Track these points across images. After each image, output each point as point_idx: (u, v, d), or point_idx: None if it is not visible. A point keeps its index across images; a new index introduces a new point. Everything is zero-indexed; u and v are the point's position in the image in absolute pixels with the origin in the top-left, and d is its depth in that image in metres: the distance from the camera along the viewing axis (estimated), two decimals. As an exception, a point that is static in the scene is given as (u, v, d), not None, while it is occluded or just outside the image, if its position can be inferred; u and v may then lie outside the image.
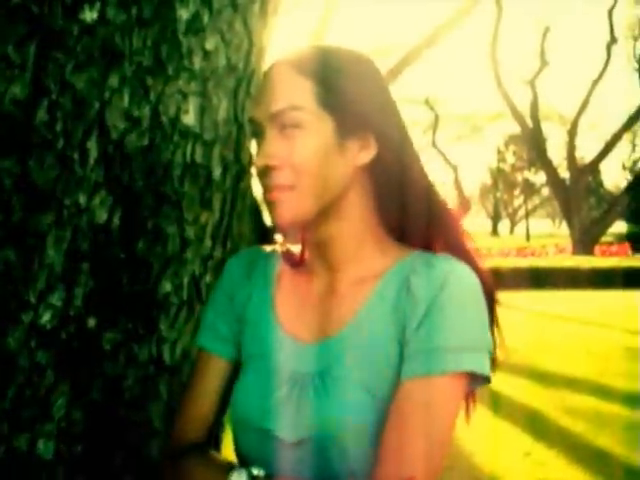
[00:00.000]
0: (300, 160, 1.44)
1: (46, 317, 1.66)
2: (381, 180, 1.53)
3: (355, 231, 1.52)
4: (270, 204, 1.48)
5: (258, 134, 1.49)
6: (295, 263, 1.61)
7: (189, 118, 1.89)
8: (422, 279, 1.45)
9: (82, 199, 1.72)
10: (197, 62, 1.85)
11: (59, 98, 1.72)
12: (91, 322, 1.73)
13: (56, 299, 1.64)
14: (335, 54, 1.48)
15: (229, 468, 1.46)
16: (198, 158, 1.93)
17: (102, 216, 1.73)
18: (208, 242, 2.01)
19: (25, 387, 1.70)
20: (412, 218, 1.53)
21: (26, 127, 1.65)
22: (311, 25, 20.50)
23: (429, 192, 1.56)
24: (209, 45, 1.94)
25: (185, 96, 1.89)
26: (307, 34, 20.65)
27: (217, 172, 1.95)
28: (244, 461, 1.53)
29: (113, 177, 1.76)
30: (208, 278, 2.06)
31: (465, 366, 1.31)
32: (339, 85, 1.45)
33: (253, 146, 1.53)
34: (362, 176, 1.53)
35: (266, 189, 1.50)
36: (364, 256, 1.55)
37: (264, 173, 1.48)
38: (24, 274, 1.65)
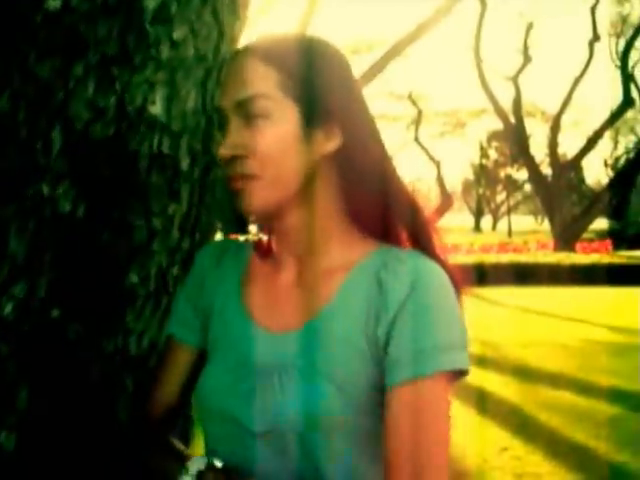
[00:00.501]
0: (264, 149, 1.43)
1: (8, 308, 1.65)
2: (346, 170, 1.53)
3: (321, 222, 1.51)
4: (234, 193, 1.47)
5: (224, 124, 1.49)
6: (264, 253, 1.60)
7: (156, 108, 1.88)
8: (393, 276, 1.44)
9: (45, 189, 1.70)
10: (165, 52, 1.83)
11: (22, 87, 1.70)
12: (55, 313, 1.71)
13: (19, 290, 1.63)
14: (300, 42, 1.47)
15: (187, 457, 1.45)
16: (165, 149, 1.91)
17: (66, 206, 1.71)
18: (176, 234, 2.00)
19: (-13, 379, 1.68)
20: (378, 210, 1.53)
21: None
22: (293, 21, 20.48)
23: (396, 185, 1.56)
24: (177, 35, 1.92)
25: (152, 86, 1.87)
26: (289, 29, 20.56)
27: (185, 163, 1.94)
28: (212, 450, 1.52)
29: (78, 167, 1.74)
30: (175, 270, 2.04)
31: (453, 364, 1.31)
32: (304, 73, 1.44)
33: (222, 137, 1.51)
34: (327, 166, 1.52)
35: (230, 178, 1.49)
36: (331, 247, 1.54)
37: (228, 163, 1.47)
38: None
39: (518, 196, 75.21)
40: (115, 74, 1.85)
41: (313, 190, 1.53)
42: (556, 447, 5.81)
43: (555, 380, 8.93)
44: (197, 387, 1.57)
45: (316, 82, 1.47)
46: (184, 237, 2.11)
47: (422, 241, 1.52)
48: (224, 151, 1.48)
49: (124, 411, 1.90)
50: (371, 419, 1.42)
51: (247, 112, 1.47)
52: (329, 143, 1.50)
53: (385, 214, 1.54)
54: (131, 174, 1.86)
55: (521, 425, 7.10)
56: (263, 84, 1.45)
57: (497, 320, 12.66)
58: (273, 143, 1.45)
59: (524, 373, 9.28)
